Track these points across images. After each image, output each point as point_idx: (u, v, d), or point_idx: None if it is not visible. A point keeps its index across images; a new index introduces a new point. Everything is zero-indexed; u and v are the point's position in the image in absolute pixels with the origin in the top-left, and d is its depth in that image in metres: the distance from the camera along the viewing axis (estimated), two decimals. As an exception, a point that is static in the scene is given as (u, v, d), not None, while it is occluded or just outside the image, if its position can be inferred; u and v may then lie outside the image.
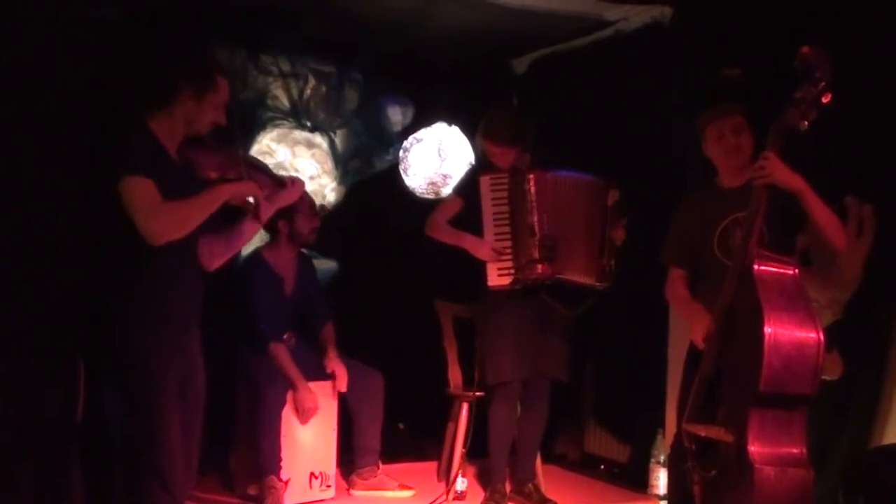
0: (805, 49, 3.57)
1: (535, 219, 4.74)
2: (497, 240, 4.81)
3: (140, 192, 3.41)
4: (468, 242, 4.88)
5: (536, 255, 4.72)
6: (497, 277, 4.81)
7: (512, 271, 4.78)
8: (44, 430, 3.61)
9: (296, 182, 4.05)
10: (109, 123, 3.71)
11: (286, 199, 3.98)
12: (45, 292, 3.57)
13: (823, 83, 3.56)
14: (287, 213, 4.94)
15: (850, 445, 4.39)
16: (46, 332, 3.59)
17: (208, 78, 3.63)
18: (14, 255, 3.49)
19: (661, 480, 5.23)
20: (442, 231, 5.02)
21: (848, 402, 4.39)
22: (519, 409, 5.09)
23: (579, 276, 4.79)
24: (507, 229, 4.81)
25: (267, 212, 3.88)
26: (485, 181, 4.86)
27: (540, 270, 4.72)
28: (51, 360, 3.61)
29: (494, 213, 4.83)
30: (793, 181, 3.71)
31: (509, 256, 4.79)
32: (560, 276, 4.77)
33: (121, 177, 3.40)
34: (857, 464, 4.10)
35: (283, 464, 4.86)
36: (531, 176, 4.76)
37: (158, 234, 3.43)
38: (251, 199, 3.81)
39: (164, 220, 3.45)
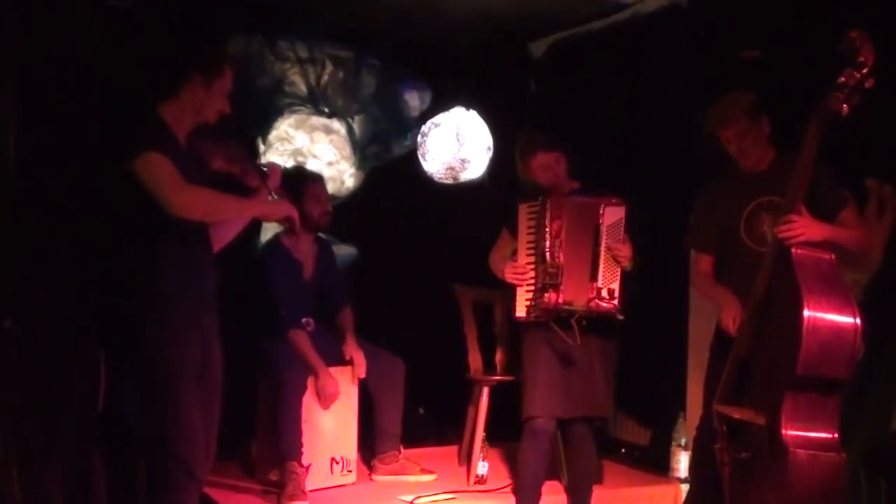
0: (852, 33, 3.53)
1: (547, 245, 4.54)
2: (528, 268, 4.61)
3: (161, 166, 3.42)
4: (499, 272, 4.76)
5: (542, 282, 4.52)
6: (521, 308, 4.63)
7: (531, 303, 4.60)
8: (66, 421, 3.63)
9: (274, 167, 4.18)
10: (121, 111, 3.72)
11: (272, 184, 4.05)
12: (65, 284, 3.59)
13: (867, 68, 3.53)
14: (297, 198, 4.97)
15: (871, 428, 4.38)
16: (66, 323, 3.61)
17: (217, 65, 3.64)
18: (33, 248, 3.51)
19: (682, 464, 5.23)
20: (495, 268, 4.83)
21: (868, 385, 4.37)
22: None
23: (578, 301, 4.49)
24: (532, 259, 4.61)
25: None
26: (522, 209, 4.67)
27: (546, 299, 4.50)
28: (71, 351, 3.63)
29: (527, 243, 4.65)
30: (823, 234, 3.76)
31: (531, 287, 4.60)
32: (570, 303, 4.50)
33: (137, 154, 3.40)
34: (878, 447, 4.10)
35: (304, 449, 4.86)
36: (554, 202, 4.56)
37: (181, 206, 3.43)
38: (287, 217, 3.86)
39: (192, 197, 3.48)
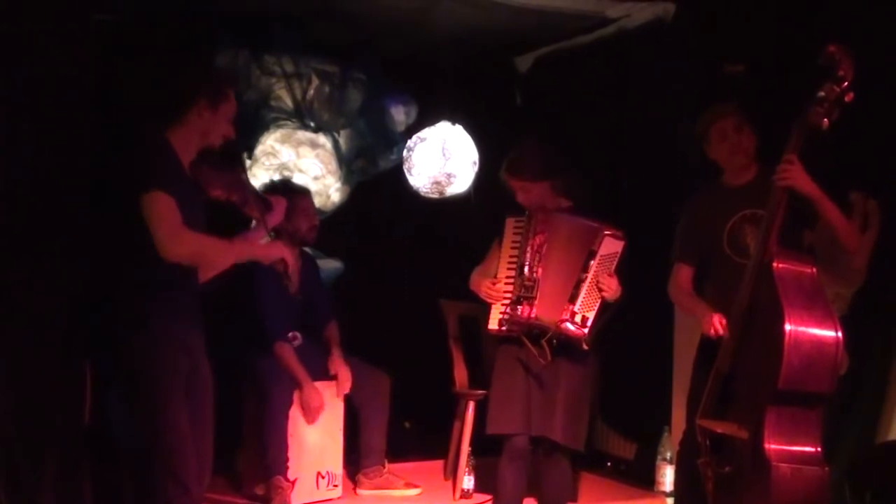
0: (831, 47, 3.56)
1: (528, 258, 4.50)
2: (506, 281, 4.56)
3: (165, 209, 3.45)
4: (475, 287, 4.71)
5: (518, 293, 4.47)
6: (494, 321, 4.57)
7: (504, 315, 4.54)
8: (52, 433, 3.62)
9: (280, 202, 4.12)
10: (126, 134, 3.72)
11: (275, 219, 4.04)
12: (53, 297, 3.58)
13: (847, 82, 3.55)
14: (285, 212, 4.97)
15: (857, 441, 4.39)
16: (53, 336, 3.60)
17: (223, 89, 3.65)
18: (21, 261, 3.50)
19: (667, 477, 5.24)
20: (473, 283, 4.74)
21: (854, 398, 4.39)
22: None
23: (549, 318, 4.41)
24: (513, 273, 4.56)
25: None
26: (510, 223, 4.64)
27: (520, 312, 4.45)
28: (58, 364, 3.62)
29: (509, 256, 4.60)
30: (811, 188, 3.73)
31: (507, 300, 4.54)
32: (540, 318, 4.43)
33: (146, 189, 3.43)
34: (863, 459, 4.12)
35: (289, 464, 4.86)
36: (539, 217, 4.53)
37: (174, 254, 3.47)
38: (280, 260, 3.83)
39: (186, 245, 3.50)
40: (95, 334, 3.66)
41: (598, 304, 4.39)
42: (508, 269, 4.58)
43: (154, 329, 3.53)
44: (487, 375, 4.87)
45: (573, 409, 4.48)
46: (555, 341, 4.41)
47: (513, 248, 4.60)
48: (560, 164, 4.62)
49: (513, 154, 4.66)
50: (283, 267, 3.83)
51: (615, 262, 4.41)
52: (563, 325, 4.36)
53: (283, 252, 3.83)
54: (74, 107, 3.68)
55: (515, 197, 4.63)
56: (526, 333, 4.47)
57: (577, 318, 4.35)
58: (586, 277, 4.37)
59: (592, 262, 4.37)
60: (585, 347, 4.41)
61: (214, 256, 3.69)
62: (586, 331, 4.37)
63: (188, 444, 3.55)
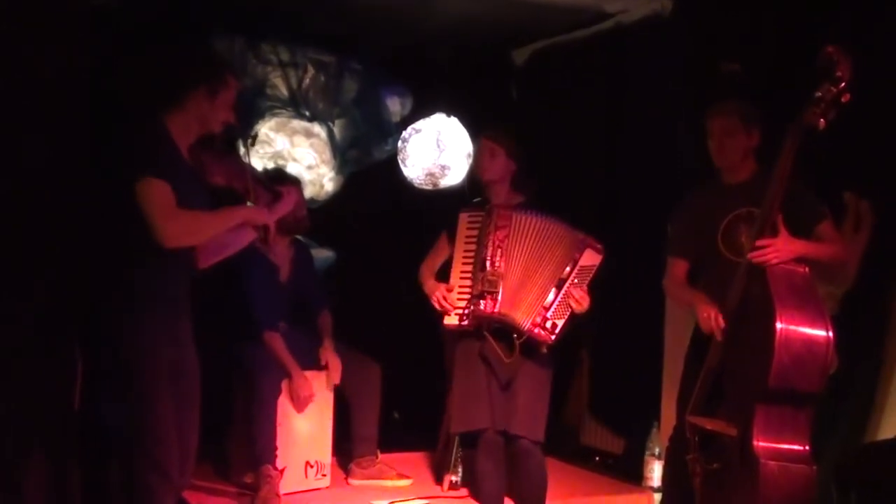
0: (829, 48, 3.56)
1: (489, 253, 4.43)
2: (462, 278, 4.52)
3: (159, 195, 3.45)
4: (427, 289, 4.67)
5: (480, 288, 4.40)
6: (453, 317, 4.51)
7: (465, 310, 4.48)
8: (42, 423, 3.62)
9: (291, 192, 4.14)
10: (123, 120, 3.71)
11: (282, 210, 4.04)
12: (43, 287, 3.58)
13: (844, 83, 3.55)
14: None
15: (844, 441, 4.40)
16: (43, 325, 3.60)
17: (222, 76, 3.65)
18: (12, 250, 3.50)
19: (655, 473, 5.25)
20: (423, 281, 4.74)
21: (842, 398, 4.40)
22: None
23: (518, 317, 4.37)
24: (469, 268, 4.52)
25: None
26: (463, 218, 4.61)
27: (483, 306, 4.39)
28: (48, 354, 3.62)
29: (464, 251, 4.55)
30: (795, 250, 3.78)
31: (466, 296, 4.49)
32: (505, 314, 4.39)
33: (141, 176, 3.43)
34: (850, 459, 4.12)
35: (278, 453, 4.86)
36: (500, 212, 4.49)
37: (172, 238, 3.47)
38: (262, 226, 3.82)
39: (181, 226, 3.50)
40: (86, 324, 3.66)
41: (567, 314, 4.39)
42: (464, 263, 4.55)
43: (140, 318, 3.54)
44: (448, 373, 4.84)
45: (533, 408, 4.48)
46: (520, 340, 4.39)
47: (467, 242, 4.57)
48: (526, 154, 4.66)
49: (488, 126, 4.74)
50: (264, 234, 3.81)
51: (591, 275, 4.41)
52: (534, 331, 4.36)
53: (267, 219, 3.82)
54: (71, 95, 3.67)
55: (481, 165, 4.64)
56: (488, 328, 4.44)
57: (548, 325, 4.37)
58: (563, 285, 4.38)
59: (572, 271, 4.38)
60: (545, 350, 4.43)
61: (210, 229, 3.67)
62: (554, 337, 4.37)
63: (171, 433, 3.56)
